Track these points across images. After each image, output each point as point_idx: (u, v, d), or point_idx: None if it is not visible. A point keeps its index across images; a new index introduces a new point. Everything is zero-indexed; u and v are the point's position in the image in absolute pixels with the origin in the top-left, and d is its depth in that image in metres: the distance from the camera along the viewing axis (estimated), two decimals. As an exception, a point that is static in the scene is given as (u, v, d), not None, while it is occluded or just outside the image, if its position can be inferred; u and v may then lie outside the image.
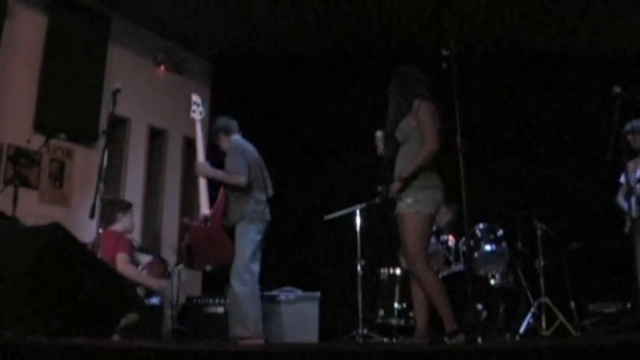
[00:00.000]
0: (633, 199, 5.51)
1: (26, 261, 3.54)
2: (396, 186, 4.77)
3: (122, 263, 5.94)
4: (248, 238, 5.93)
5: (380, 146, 5.16)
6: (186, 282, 7.29)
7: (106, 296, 3.83)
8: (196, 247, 6.02)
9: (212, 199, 6.14)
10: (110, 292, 3.89)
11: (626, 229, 5.83)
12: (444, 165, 4.86)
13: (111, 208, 6.39)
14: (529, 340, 6.11)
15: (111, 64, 7.84)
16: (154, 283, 6.25)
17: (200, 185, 6.14)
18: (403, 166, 4.82)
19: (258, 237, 6.01)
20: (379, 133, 5.15)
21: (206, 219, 6.03)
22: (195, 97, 6.46)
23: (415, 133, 4.83)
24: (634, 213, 5.52)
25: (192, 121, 6.39)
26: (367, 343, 6.24)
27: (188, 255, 6.04)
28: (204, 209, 6.07)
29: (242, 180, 5.98)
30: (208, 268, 6.00)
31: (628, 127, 5.99)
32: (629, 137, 5.92)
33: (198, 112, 6.42)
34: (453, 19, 7.98)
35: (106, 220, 6.23)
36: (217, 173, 6.17)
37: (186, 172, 9.01)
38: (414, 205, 4.68)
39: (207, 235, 6.00)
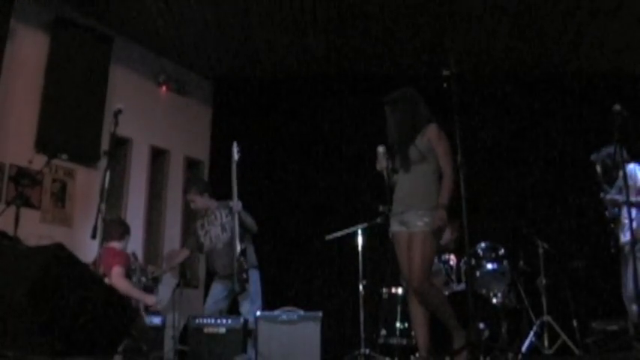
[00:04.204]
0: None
1: (28, 281, 3.54)
2: (444, 215, 4.75)
3: (116, 276, 6.00)
4: (259, 285, 6.75)
5: (382, 162, 5.11)
6: (187, 302, 7.26)
7: (107, 317, 3.83)
8: None
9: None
10: (112, 312, 3.89)
11: (612, 250, 5.95)
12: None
13: (120, 227, 6.60)
14: (532, 359, 6.10)
15: (113, 84, 7.86)
16: (145, 297, 6.30)
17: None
18: (417, 187, 4.85)
19: None
20: (381, 148, 5.12)
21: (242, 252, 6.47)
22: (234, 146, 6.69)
23: (430, 154, 4.87)
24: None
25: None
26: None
27: None
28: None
29: (256, 228, 6.82)
30: None
31: (593, 157, 6.13)
32: (597, 167, 6.06)
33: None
34: (454, 39, 8.02)
35: (110, 235, 6.33)
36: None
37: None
38: (429, 225, 4.71)
39: None
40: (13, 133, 6.89)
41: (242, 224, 6.58)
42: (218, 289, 6.79)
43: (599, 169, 6.11)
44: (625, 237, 5.84)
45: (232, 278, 6.44)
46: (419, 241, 4.74)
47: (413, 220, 4.80)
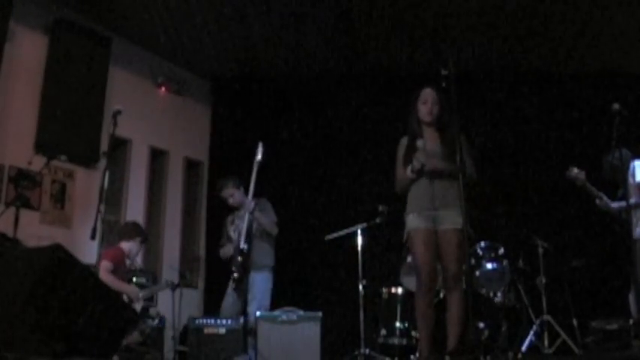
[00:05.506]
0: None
1: (28, 282, 3.54)
2: None
3: (102, 270, 5.99)
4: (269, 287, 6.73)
5: (420, 160, 4.73)
6: (187, 302, 7.26)
7: (106, 317, 3.82)
8: None
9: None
10: (111, 313, 3.88)
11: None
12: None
13: (129, 228, 6.69)
14: (532, 359, 6.09)
15: (111, 85, 7.85)
16: (130, 291, 6.32)
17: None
18: (453, 187, 4.73)
19: None
20: (420, 143, 4.82)
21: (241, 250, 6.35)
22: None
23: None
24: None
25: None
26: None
27: None
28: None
29: (276, 230, 6.79)
30: None
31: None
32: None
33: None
34: (452, 39, 8.02)
35: (120, 236, 6.49)
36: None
37: (188, 192, 9.03)
38: (463, 224, 4.60)
39: None
40: (13, 134, 6.90)
41: (259, 224, 6.63)
42: (230, 294, 6.76)
43: (581, 176, 6.09)
44: (636, 233, 5.78)
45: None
46: (460, 239, 4.68)
47: (451, 218, 4.73)
